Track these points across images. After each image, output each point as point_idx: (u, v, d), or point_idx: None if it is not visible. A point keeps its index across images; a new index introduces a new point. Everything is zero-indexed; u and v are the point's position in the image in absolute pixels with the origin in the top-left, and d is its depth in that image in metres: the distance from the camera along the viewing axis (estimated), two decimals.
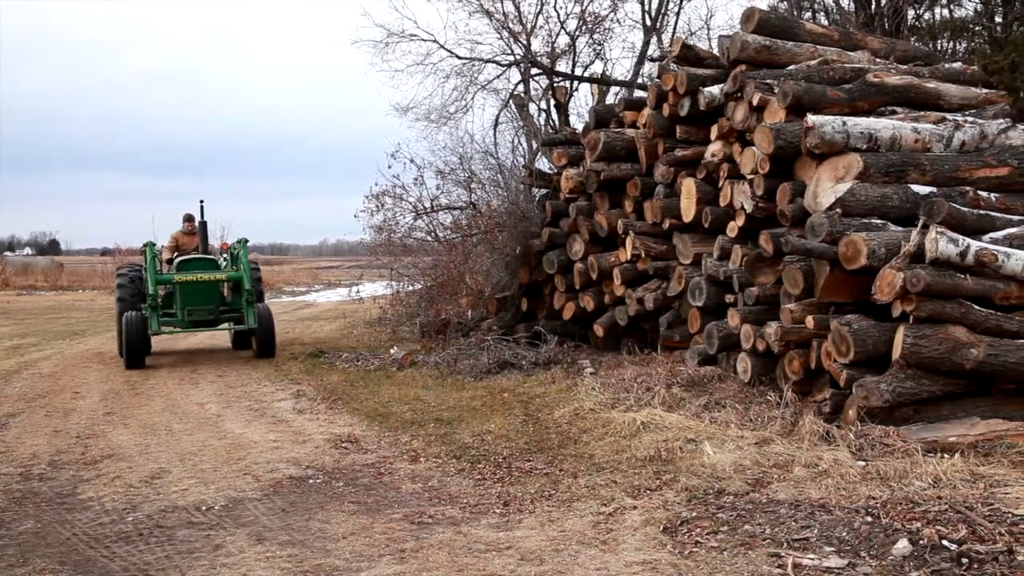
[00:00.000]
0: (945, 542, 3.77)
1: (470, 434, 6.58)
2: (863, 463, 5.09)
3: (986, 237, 6.09)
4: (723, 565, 3.82)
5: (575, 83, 15.24)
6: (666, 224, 8.63)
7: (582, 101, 16.94)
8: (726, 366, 7.49)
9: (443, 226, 12.44)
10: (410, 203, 12.44)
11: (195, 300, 10.90)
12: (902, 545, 3.78)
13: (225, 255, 11.89)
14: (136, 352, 10.37)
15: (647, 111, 9.02)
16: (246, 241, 11.45)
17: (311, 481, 5.43)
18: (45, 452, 6.27)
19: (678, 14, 15.60)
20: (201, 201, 11.87)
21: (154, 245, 10.93)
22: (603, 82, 14.86)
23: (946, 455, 5.18)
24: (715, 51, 8.89)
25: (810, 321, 6.33)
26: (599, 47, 15.40)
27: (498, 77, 15.27)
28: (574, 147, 10.27)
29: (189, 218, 12.03)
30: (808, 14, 15.18)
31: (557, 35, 14.95)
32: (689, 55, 8.67)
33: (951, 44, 13.39)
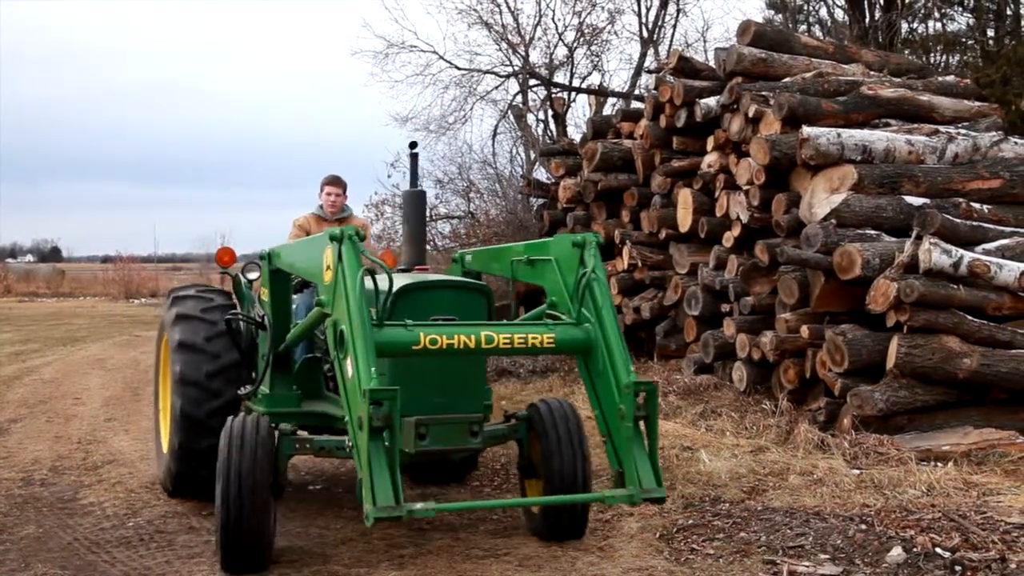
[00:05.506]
0: (939, 550, 3.82)
1: None
2: (857, 471, 5.14)
3: (979, 248, 6.17)
4: (719, 572, 3.86)
5: (573, 94, 15.36)
6: (663, 234, 8.69)
7: (580, 112, 17.02)
8: (722, 375, 7.54)
9: (442, 235, 12.52)
10: None
11: (438, 399, 4.05)
12: (896, 553, 3.83)
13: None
14: (252, 538, 3.82)
15: (644, 122, 9.09)
16: (597, 241, 4.19)
17: (311, 487, 5.46)
18: (46, 457, 6.29)
19: (675, 27, 15.71)
20: (413, 146, 5.38)
21: (360, 238, 3.72)
22: (600, 93, 14.96)
23: (939, 464, 5.24)
24: (712, 63, 8.97)
25: (805, 330, 6.39)
26: (597, 59, 15.53)
27: (497, 88, 15.37)
28: (572, 157, 10.34)
29: (335, 182, 5.88)
30: (803, 27, 15.31)
31: (555, 47, 15.07)
32: (686, 67, 8.75)
33: (944, 57, 13.53)
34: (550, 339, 3.91)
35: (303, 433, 4.26)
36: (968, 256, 5.84)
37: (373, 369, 3.37)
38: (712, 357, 7.54)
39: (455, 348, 3.70)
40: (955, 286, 5.77)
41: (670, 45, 15.15)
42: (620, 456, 3.72)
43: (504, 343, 3.79)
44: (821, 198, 6.65)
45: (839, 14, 15.38)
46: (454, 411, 3.99)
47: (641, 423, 3.65)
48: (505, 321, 4.09)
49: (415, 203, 5.14)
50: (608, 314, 3.92)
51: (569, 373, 9.01)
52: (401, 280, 4.10)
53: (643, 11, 15.29)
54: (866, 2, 14.14)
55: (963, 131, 7.41)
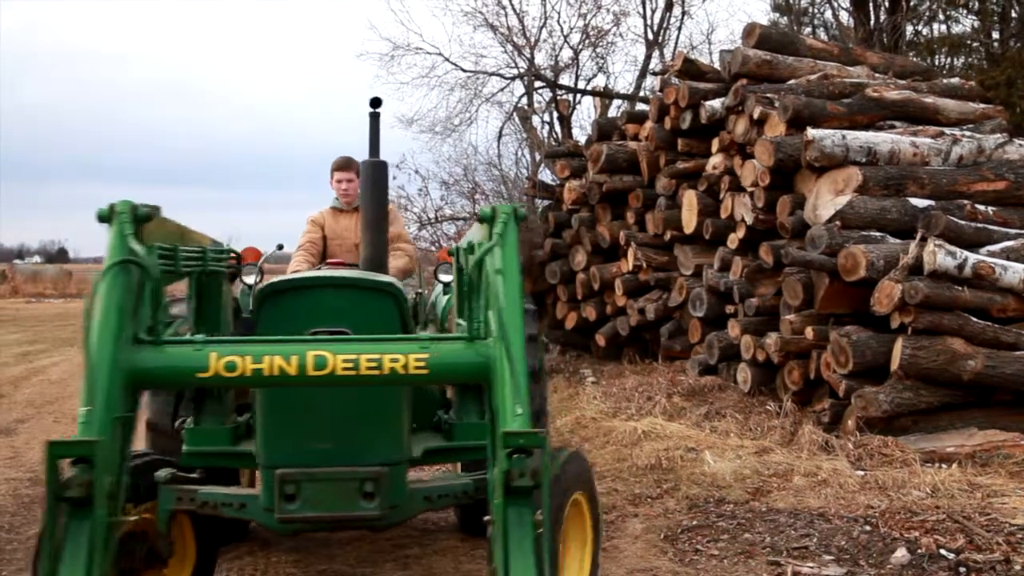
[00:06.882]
0: (943, 551, 3.83)
1: None
2: (862, 473, 5.15)
3: (983, 250, 6.17)
4: (723, 573, 3.87)
5: (578, 96, 15.37)
6: (667, 235, 8.71)
7: (585, 114, 17.05)
8: (726, 376, 7.54)
9: (447, 236, 12.54)
10: (415, 213, 12.55)
11: (325, 445, 2.98)
12: (900, 554, 3.84)
13: (443, 275, 4.30)
14: None
15: (649, 124, 9.10)
16: (514, 213, 2.64)
17: None
18: None
19: (680, 29, 15.74)
20: (375, 104, 4.01)
21: (143, 219, 2.58)
22: (606, 95, 14.97)
23: (944, 465, 5.25)
24: (716, 65, 8.99)
25: (809, 332, 6.40)
26: (602, 61, 15.55)
27: (502, 90, 15.40)
28: (577, 159, 10.35)
29: (345, 166, 5.12)
30: (808, 29, 15.33)
31: (560, 49, 15.10)
32: (691, 69, 8.76)
33: (949, 59, 13.55)
34: (420, 362, 2.49)
35: (226, 486, 3.14)
36: (973, 258, 5.84)
37: (85, 410, 2.28)
38: (717, 358, 7.55)
39: (264, 376, 2.48)
40: (960, 288, 5.77)
41: (675, 47, 15.19)
42: (492, 550, 2.25)
43: (345, 369, 2.47)
44: (826, 200, 6.66)
45: (844, 16, 15.39)
46: (349, 463, 2.88)
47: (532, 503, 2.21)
48: (354, 336, 2.75)
49: (374, 177, 3.94)
50: (510, 320, 2.44)
51: (573, 375, 9.01)
52: (289, 276, 3.22)
53: (648, 13, 15.33)
54: (871, 4, 14.15)
55: (968, 133, 7.42)
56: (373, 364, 2.48)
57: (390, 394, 3.05)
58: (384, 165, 4.05)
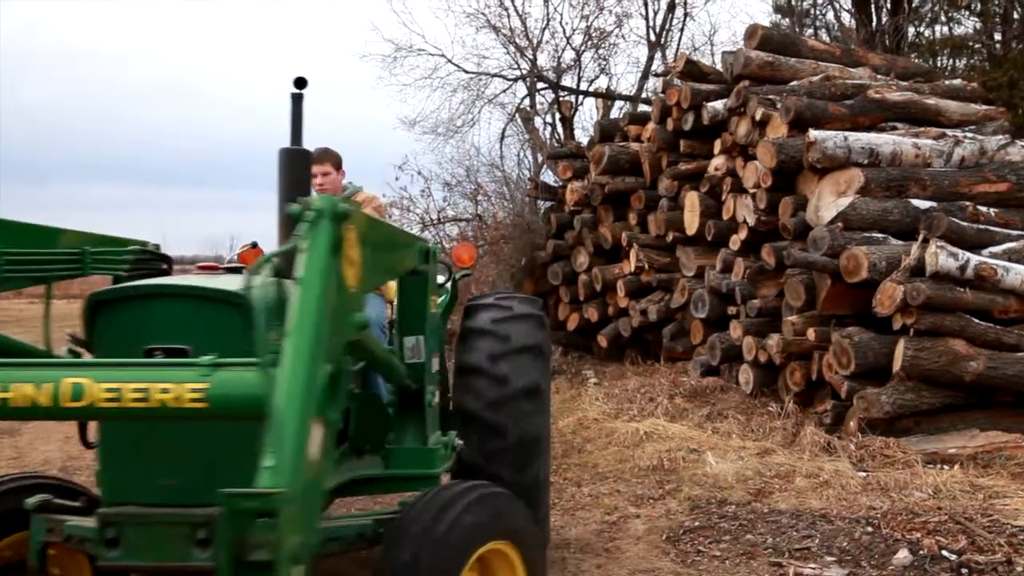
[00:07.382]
0: (945, 552, 3.83)
1: None
2: (864, 474, 5.16)
3: (985, 251, 6.17)
4: (725, 574, 3.88)
5: (580, 97, 15.37)
6: (669, 237, 8.72)
7: (587, 115, 17.06)
8: (728, 377, 7.55)
9: (449, 238, 12.55)
10: (417, 215, 12.56)
11: (168, 480, 2.50)
12: (902, 555, 3.84)
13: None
14: None
15: (651, 125, 9.11)
16: (340, 212, 2.00)
17: None
18: (57, 457, 6.34)
19: (682, 30, 15.73)
20: (300, 84, 3.12)
21: None
22: (608, 96, 14.98)
23: (946, 466, 5.25)
24: (718, 67, 9.00)
25: (811, 333, 6.40)
26: (604, 62, 15.55)
27: (504, 91, 15.42)
28: (579, 160, 10.36)
29: (318, 160, 4.38)
30: (810, 31, 15.33)
31: (563, 50, 15.10)
32: (693, 70, 8.77)
33: (951, 61, 13.56)
34: (197, 393, 2.09)
35: (87, 520, 2.54)
36: (975, 259, 5.85)
37: None
38: (719, 359, 7.56)
39: (11, 408, 2.08)
40: (962, 289, 5.78)
41: (677, 49, 15.18)
42: None
43: (106, 401, 2.08)
44: (828, 201, 6.66)
45: (846, 18, 15.40)
46: (196, 503, 2.40)
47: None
48: (117, 360, 2.26)
49: (291, 168, 3.29)
50: (295, 344, 1.90)
51: (576, 376, 9.01)
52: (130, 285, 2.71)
53: (650, 15, 15.33)
54: (873, 6, 14.16)
55: (970, 134, 7.42)
56: (139, 395, 2.07)
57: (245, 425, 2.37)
58: (304, 155, 3.34)
